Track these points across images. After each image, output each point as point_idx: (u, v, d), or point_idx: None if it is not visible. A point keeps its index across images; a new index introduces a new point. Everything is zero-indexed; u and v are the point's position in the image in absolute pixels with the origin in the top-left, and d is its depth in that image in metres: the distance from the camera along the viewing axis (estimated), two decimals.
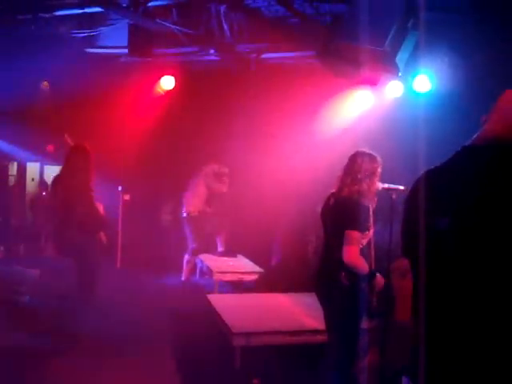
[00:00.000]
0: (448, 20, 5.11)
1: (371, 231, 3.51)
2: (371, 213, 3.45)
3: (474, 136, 1.84)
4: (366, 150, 3.62)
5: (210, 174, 7.76)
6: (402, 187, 3.67)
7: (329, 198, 3.63)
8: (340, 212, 3.45)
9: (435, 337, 1.69)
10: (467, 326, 1.64)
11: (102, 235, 5.56)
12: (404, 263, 4.62)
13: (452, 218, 1.65)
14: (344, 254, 3.33)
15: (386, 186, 3.64)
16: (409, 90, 6.21)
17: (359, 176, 3.47)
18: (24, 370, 4.32)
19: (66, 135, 5.71)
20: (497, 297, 1.60)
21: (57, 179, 5.48)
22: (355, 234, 3.33)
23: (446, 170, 1.80)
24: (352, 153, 3.62)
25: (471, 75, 5.28)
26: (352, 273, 3.36)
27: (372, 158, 3.57)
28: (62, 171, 5.48)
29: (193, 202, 7.72)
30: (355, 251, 3.34)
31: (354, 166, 3.52)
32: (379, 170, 3.56)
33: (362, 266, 3.39)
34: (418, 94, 6.11)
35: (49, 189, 5.92)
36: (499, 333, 1.59)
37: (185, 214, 7.74)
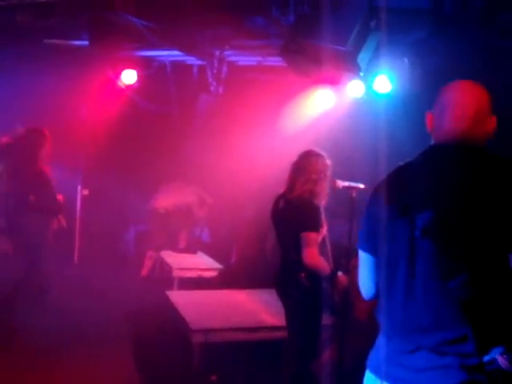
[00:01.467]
0: (409, 21, 5.20)
1: (325, 228, 3.52)
2: (322, 210, 3.46)
3: (438, 133, 1.84)
4: (318, 150, 3.62)
5: (196, 200, 7.81)
6: (362, 185, 3.71)
7: (278, 200, 3.60)
8: (293, 214, 3.44)
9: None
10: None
11: (61, 218, 5.43)
12: None
13: (433, 214, 1.66)
14: (304, 256, 3.33)
15: (347, 184, 3.67)
16: (369, 89, 6.28)
17: (314, 176, 3.47)
18: None
19: (17, 125, 5.57)
20: (483, 282, 1.64)
21: (11, 163, 5.33)
22: (312, 235, 3.34)
23: (421, 168, 1.80)
24: (302, 152, 3.60)
25: (429, 76, 5.39)
26: (313, 273, 3.37)
27: (324, 158, 3.58)
28: (16, 154, 5.33)
29: (164, 203, 7.74)
30: (315, 253, 3.35)
31: (309, 166, 3.51)
32: (330, 170, 3.58)
33: (324, 266, 3.41)
34: (378, 95, 6.20)
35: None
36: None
37: (153, 209, 7.75)
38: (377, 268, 1.84)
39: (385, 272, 1.78)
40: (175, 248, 7.98)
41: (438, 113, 1.84)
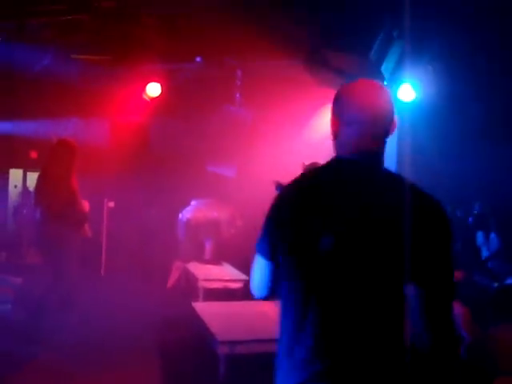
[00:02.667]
0: (433, 29, 5.17)
1: None
2: None
3: (345, 146, 1.69)
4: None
5: (227, 218, 7.87)
6: None
7: None
8: None
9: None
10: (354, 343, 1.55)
11: (86, 227, 5.47)
12: None
13: (335, 237, 1.54)
14: None
15: None
16: (394, 98, 6.25)
17: None
18: (7, 378, 4.25)
19: (53, 138, 5.66)
20: (378, 311, 1.54)
21: (40, 173, 5.41)
22: None
23: (326, 182, 1.64)
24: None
25: (454, 84, 5.34)
26: None
27: None
28: (46, 164, 5.41)
29: (196, 215, 7.84)
30: None
31: None
32: None
33: None
34: (402, 103, 6.16)
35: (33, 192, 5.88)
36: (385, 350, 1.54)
37: (184, 219, 7.84)
38: (274, 274, 1.75)
39: (285, 289, 1.68)
40: (201, 259, 8.01)
41: (346, 123, 1.68)
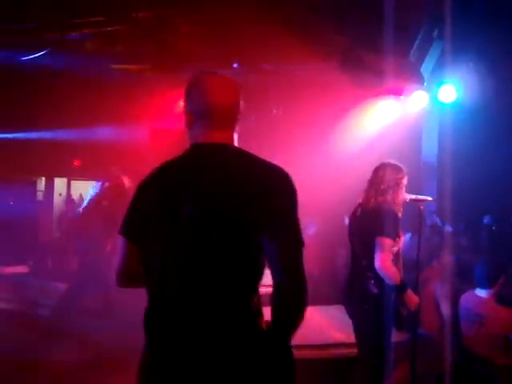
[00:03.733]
0: (474, 28, 5.06)
1: (401, 239, 3.46)
2: (400, 220, 3.41)
3: (196, 136, 1.90)
4: (392, 161, 3.57)
5: None
6: (429, 198, 3.62)
7: (356, 209, 3.60)
8: (370, 220, 3.40)
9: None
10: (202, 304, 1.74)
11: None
12: (426, 273, 4.54)
13: (197, 205, 1.76)
14: (376, 260, 3.27)
15: (414, 197, 3.58)
16: (434, 100, 6.14)
17: (382, 187, 3.43)
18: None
19: (113, 168, 5.78)
20: (228, 273, 1.76)
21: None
22: (387, 240, 3.28)
23: (182, 165, 1.88)
24: (377, 165, 3.58)
25: (498, 83, 5.21)
26: (381, 281, 3.30)
27: (396, 168, 3.52)
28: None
29: None
30: (387, 258, 3.28)
31: (377, 178, 3.49)
32: (404, 181, 3.50)
33: (393, 274, 3.32)
34: (443, 104, 6.04)
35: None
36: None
37: None
38: (139, 257, 1.86)
39: (155, 267, 1.82)
40: None
41: (196, 117, 1.90)
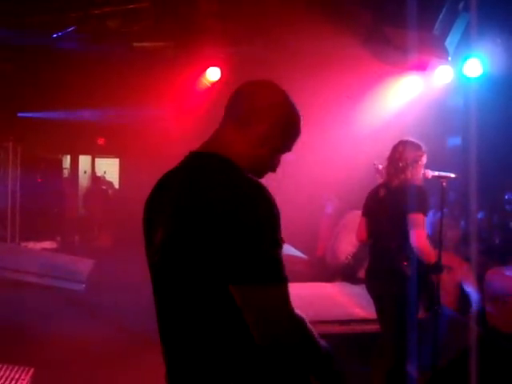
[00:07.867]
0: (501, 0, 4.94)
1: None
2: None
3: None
4: (410, 138, 3.52)
5: None
6: (452, 175, 3.59)
7: (377, 190, 3.55)
8: (398, 199, 3.34)
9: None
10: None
11: None
12: (450, 258, 4.50)
13: (162, 230, 1.46)
14: (412, 238, 3.18)
15: (437, 173, 3.55)
16: (459, 74, 6.03)
17: (401, 164, 3.39)
18: (84, 359, 4.31)
19: None
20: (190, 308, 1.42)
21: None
22: (420, 216, 3.21)
23: (169, 178, 1.57)
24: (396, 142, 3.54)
25: None
26: (414, 262, 3.25)
27: (414, 146, 3.46)
28: None
29: None
30: (424, 235, 3.21)
31: (396, 155, 3.44)
32: (424, 158, 3.45)
33: (431, 251, 3.24)
34: (468, 79, 5.94)
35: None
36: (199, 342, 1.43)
37: None
38: None
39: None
40: None
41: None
